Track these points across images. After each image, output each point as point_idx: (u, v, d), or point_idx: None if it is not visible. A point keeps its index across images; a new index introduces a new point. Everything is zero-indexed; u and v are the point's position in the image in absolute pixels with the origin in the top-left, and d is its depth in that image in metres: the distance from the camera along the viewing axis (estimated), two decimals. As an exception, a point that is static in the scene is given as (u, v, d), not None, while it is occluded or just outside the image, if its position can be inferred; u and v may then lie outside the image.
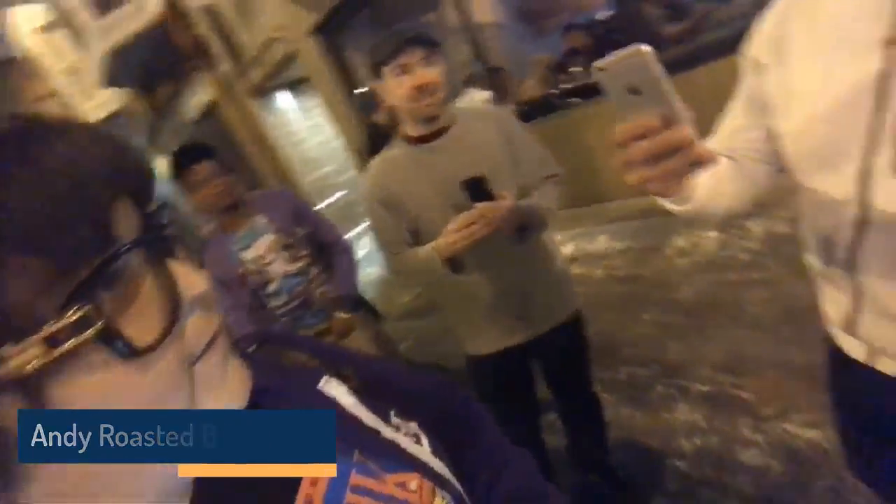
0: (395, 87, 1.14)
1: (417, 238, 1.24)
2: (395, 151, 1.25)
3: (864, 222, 0.59)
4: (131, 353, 0.28)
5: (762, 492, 1.46)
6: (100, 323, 0.27)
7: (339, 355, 0.53)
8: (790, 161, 0.66)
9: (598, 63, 0.49)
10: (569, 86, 4.31)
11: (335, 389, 0.46)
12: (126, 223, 0.31)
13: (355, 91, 3.24)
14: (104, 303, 0.28)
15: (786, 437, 1.56)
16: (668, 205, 0.66)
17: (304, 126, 7.57)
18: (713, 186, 0.64)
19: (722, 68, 2.91)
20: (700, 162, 0.48)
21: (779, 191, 0.75)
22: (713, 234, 2.76)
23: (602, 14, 6.59)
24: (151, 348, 0.29)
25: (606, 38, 5.18)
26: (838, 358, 0.80)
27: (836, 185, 0.59)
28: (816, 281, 0.78)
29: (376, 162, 1.26)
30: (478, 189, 1.08)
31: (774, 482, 1.47)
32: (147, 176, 0.34)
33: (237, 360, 0.38)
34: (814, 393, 1.63)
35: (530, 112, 4.24)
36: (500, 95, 4.43)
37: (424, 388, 0.56)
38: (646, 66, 0.47)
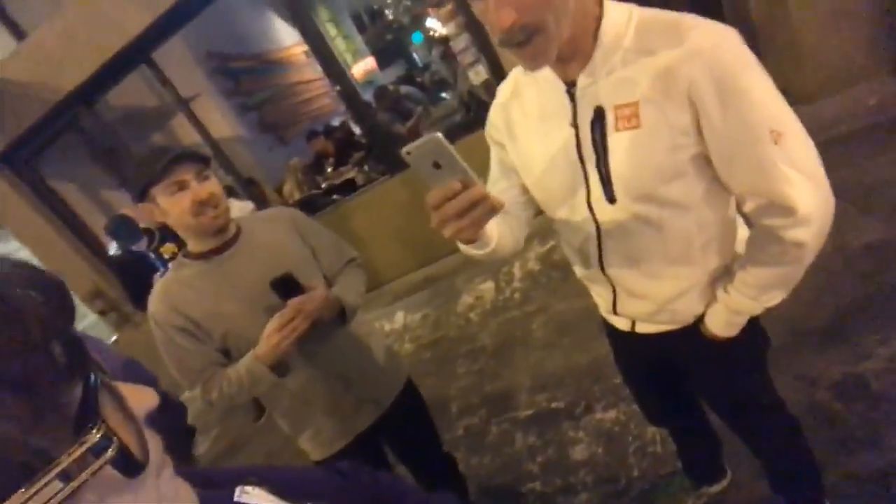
0: (173, 206, 1.09)
1: (229, 356, 1.16)
2: (183, 272, 1.16)
3: (600, 234, 0.87)
4: (137, 468, 0.28)
5: (598, 475, 1.73)
6: (115, 440, 0.26)
7: (234, 471, 0.52)
8: (541, 204, 0.94)
9: (406, 148, 0.61)
10: (331, 184, 4.58)
11: (255, 495, 0.47)
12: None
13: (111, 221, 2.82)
14: (108, 422, 0.27)
15: (598, 424, 1.90)
16: (473, 251, 0.83)
17: None
18: (500, 234, 0.85)
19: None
20: (495, 209, 0.64)
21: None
22: (489, 284, 3.24)
23: (337, 119, 7.34)
24: (145, 462, 0.29)
25: (347, 140, 5.77)
26: (613, 334, 1.11)
27: (576, 213, 0.87)
28: (585, 284, 1.05)
29: (163, 288, 1.15)
30: (288, 286, 1.09)
31: (603, 463, 1.75)
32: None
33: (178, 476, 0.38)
34: (601, 381, 2.04)
35: (297, 213, 4.32)
36: (260, 204, 4.39)
37: (329, 479, 0.59)
38: (441, 146, 0.60)
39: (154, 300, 1.13)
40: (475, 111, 3.85)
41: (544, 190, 0.89)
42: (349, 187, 4.36)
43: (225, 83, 5.94)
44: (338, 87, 3.77)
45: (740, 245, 0.88)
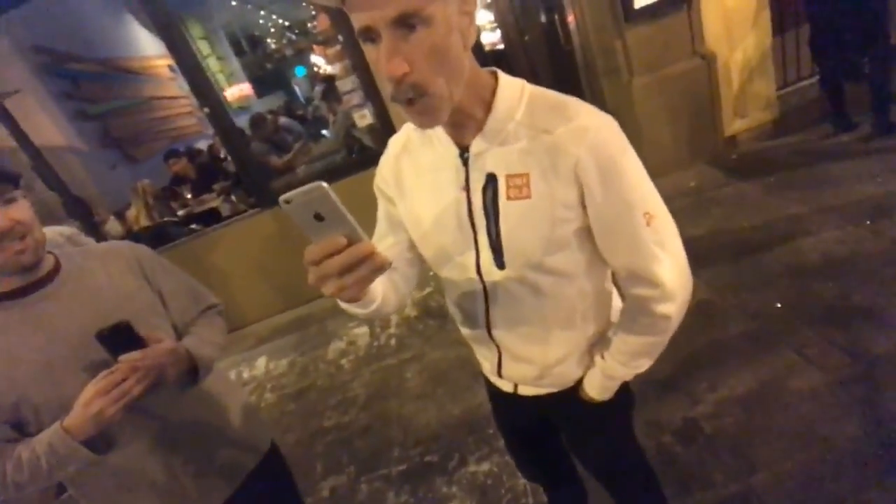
0: None
1: (23, 430, 0.90)
2: None
3: (487, 297, 0.88)
4: None
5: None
6: None
7: None
8: (428, 261, 0.92)
9: (285, 196, 0.53)
10: (190, 212, 4.11)
11: None
12: None
13: None
14: None
15: (471, 478, 1.87)
16: (355, 309, 0.78)
17: None
18: (385, 292, 0.82)
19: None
20: (382, 268, 0.60)
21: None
22: (364, 329, 3.11)
23: (203, 142, 6.73)
24: None
25: (211, 166, 5.29)
26: (495, 394, 1.12)
27: (463, 273, 0.86)
28: (469, 344, 1.04)
29: None
30: (122, 339, 0.88)
31: (477, 520, 1.72)
32: None
33: None
34: (475, 432, 2.04)
35: (141, 242, 3.75)
36: (90, 230, 3.74)
37: None
38: (326, 196, 0.53)
39: None
40: (357, 153, 3.81)
41: (432, 248, 0.88)
42: (211, 217, 3.95)
43: (60, 84, 5.09)
44: (206, 109, 3.45)
45: (615, 314, 0.95)
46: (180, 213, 4.26)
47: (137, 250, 1.10)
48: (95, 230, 3.78)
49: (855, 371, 1.68)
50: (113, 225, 4.04)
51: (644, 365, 0.89)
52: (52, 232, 3.43)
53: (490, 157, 0.75)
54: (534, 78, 4.21)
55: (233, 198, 4.01)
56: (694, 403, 1.75)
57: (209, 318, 1.18)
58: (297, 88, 10.08)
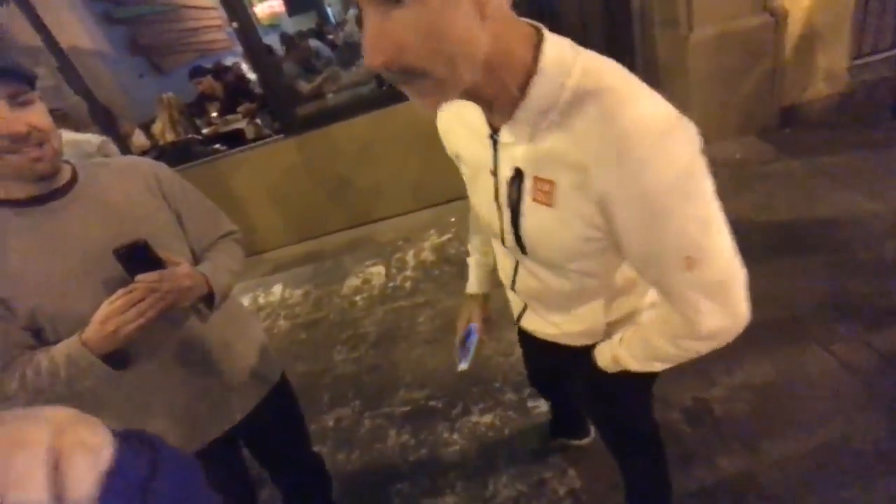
0: None
1: (41, 337, 0.90)
2: None
3: (516, 265, 0.89)
4: None
5: (468, 479, 1.73)
6: None
7: None
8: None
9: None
10: (215, 131, 4.04)
11: None
12: None
13: None
14: None
15: (473, 427, 1.91)
16: None
17: None
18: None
19: (354, 126, 3.36)
20: None
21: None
22: (379, 269, 3.11)
23: (230, 59, 6.53)
24: None
25: (238, 85, 5.15)
26: (521, 333, 1.14)
27: (494, 236, 0.84)
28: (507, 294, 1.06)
29: None
30: (139, 258, 0.86)
31: (474, 467, 1.77)
32: None
33: None
34: (481, 383, 2.06)
35: (164, 158, 3.72)
36: (115, 136, 3.72)
37: None
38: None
39: None
40: (388, 85, 3.64)
41: (472, 195, 0.86)
42: (235, 139, 3.88)
43: (88, -18, 4.91)
44: (235, 24, 3.29)
45: (649, 298, 0.89)
46: (205, 131, 4.20)
47: (157, 168, 1.06)
48: (120, 142, 3.75)
49: (882, 371, 1.62)
50: (138, 137, 4.00)
51: (657, 368, 0.83)
52: (83, 138, 3.42)
53: (519, 151, 0.65)
54: (583, 30, 3.91)
55: (258, 121, 3.91)
56: (708, 385, 1.72)
57: (227, 245, 1.16)
58: (329, 10, 9.61)
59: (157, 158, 3.76)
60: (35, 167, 0.83)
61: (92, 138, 3.72)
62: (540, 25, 0.61)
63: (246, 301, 3.29)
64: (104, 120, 3.69)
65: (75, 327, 0.86)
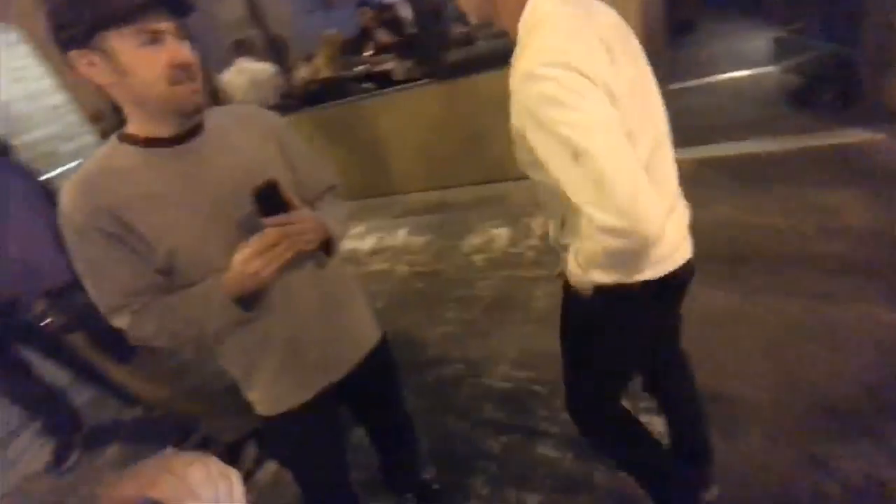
0: (141, 63, 0.77)
1: (173, 279, 0.91)
2: (118, 160, 0.86)
3: None
4: None
5: (557, 480, 1.62)
6: None
7: None
8: None
9: None
10: (367, 70, 4.13)
11: None
12: None
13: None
14: None
15: (573, 427, 1.77)
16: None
17: None
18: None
19: (502, 77, 3.14)
20: None
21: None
22: (503, 231, 2.99)
23: (392, -2, 6.54)
24: None
25: (393, 24, 5.14)
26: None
27: None
28: None
29: (84, 178, 0.84)
30: (271, 199, 0.85)
31: (566, 471, 1.64)
32: None
33: None
34: (592, 382, 1.88)
35: (318, 94, 3.93)
36: (283, 68, 3.98)
37: None
38: None
39: (70, 195, 0.82)
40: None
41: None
42: (384, 79, 3.93)
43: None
44: (400, -42, 3.22)
45: None
46: (358, 68, 4.31)
47: (272, 119, 1.06)
48: (286, 74, 4.03)
49: None
50: (301, 71, 4.26)
51: (598, 275, 0.89)
52: (260, 67, 3.71)
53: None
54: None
55: (407, 63, 3.89)
56: (890, 462, 1.34)
57: (333, 198, 1.15)
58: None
59: (312, 93, 4.01)
60: (192, 99, 0.84)
61: (267, 67, 4.06)
62: None
63: (371, 241, 3.43)
64: (276, 52, 3.97)
65: (206, 270, 0.89)
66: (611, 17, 0.86)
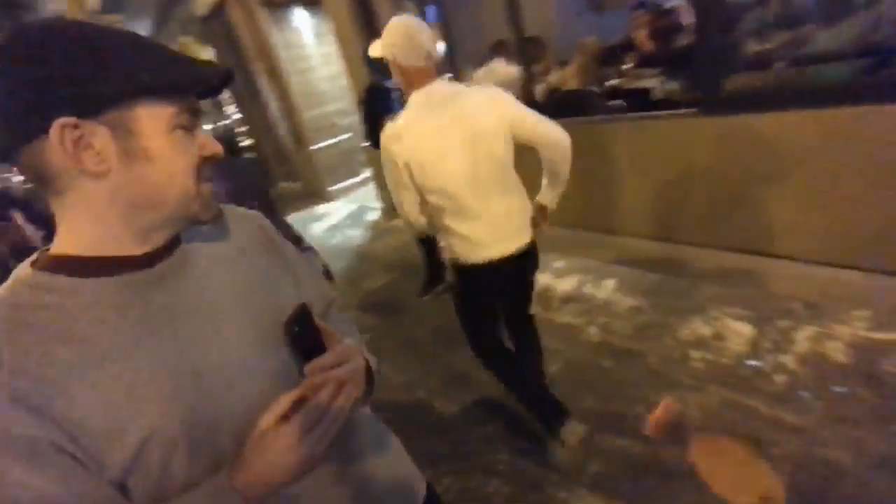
0: (173, 149, 0.54)
1: (128, 493, 0.54)
2: (41, 299, 0.51)
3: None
4: None
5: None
6: None
7: None
8: None
9: None
10: (620, 86, 3.61)
11: None
12: None
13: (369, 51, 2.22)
14: None
15: None
16: None
17: (316, 52, 6.78)
18: None
19: (803, 120, 2.27)
20: None
21: None
22: (746, 328, 2.21)
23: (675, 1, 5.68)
24: None
25: (667, 33, 4.37)
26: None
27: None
28: None
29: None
30: (308, 334, 0.61)
31: None
32: None
33: None
34: None
35: (559, 105, 3.56)
36: (528, 73, 3.73)
37: None
38: None
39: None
40: (889, 71, 2.27)
41: None
42: (638, 99, 3.34)
43: None
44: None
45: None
46: (611, 82, 3.81)
47: (261, 218, 0.77)
48: (532, 79, 3.79)
49: None
50: (552, 77, 3.97)
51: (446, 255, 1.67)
52: (506, 70, 3.57)
53: None
54: None
55: (674, 84, 3.22)
56: None
57: (339, 317, 0.85)
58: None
59: (555, 103, 3.70)
60: (209, 210, 0.60)
61: (514, 71, 3.91)
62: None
63: (569, 283, 2.99)
64: (528, 56, 3.76)
65: (202, 451, 0.55)
66: None
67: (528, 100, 3.57)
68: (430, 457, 2.02)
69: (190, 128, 0.56)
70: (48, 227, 1.70)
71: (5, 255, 1.50)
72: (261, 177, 2.69)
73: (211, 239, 0.66)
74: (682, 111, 2.84)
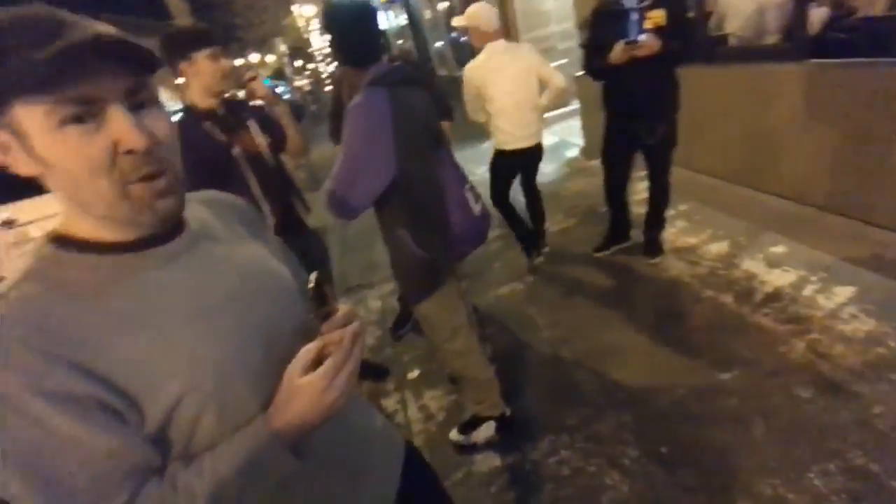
0: (64, 150, 0.49)
1: (168, 447, 0.58)
2: (73, 276, 0.55)
3: None
4: None
5: None
6: None
7: None
8: None
9: None
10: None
11: None
12: None
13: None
14: None
15: None
16: None
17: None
18: None
19: None
20: None
21: None
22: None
23: None
24: None
25: None
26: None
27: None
28: None
29: (19, 313, 0.54)
30: (324, 296, 0.64)
31: None
32: None
33: None
34: None
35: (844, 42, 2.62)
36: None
37: None
38: None
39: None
40: None
41: None
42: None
43: None
44: None
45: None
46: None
47: (240, 201, 0.80)
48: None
49: None
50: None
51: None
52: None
53: None
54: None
55: None
56: None
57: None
58: None
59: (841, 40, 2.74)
60: (165, 205, 0.56)
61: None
62: None
63: (785, 279, 2.37)
64: None
65: (228, 422, 0.58)
66: None
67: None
68: (555, 424, 1.95)
69: (91, 118, 0.49)
70: (274, 136, 1.85)
71: (242, 162, 1.75)
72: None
73: (211, 222, 0.69)
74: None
